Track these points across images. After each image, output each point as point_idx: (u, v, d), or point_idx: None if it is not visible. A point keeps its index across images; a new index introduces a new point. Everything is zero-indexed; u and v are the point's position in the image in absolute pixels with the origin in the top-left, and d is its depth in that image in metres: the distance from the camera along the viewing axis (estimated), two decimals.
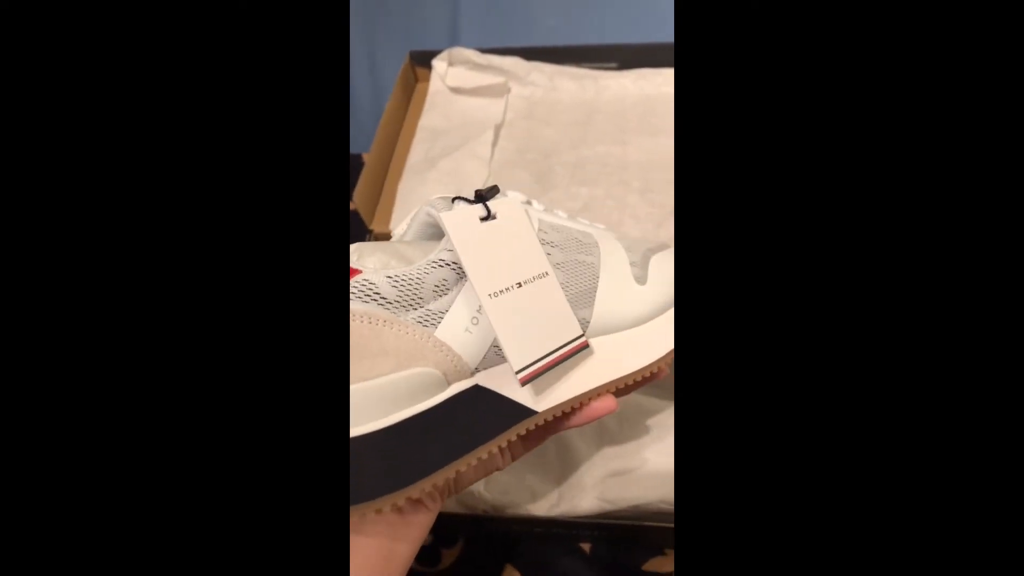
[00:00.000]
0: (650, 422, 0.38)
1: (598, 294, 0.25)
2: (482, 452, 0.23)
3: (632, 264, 0.27)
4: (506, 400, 0.23)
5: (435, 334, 0.21)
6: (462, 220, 0.22)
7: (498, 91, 0.53)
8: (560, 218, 0.27)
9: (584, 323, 0.25)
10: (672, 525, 0.37)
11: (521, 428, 0.24)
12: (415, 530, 0.24)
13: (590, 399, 0.25)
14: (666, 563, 0.39)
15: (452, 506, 0.37)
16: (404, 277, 0.21)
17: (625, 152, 0.48)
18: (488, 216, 0.23)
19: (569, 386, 0.24)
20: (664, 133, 0.48)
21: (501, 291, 0.22)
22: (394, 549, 0.23)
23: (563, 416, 0.25)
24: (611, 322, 0.26)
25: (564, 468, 0.37)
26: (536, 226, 0.25)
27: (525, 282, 0.23)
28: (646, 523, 0.37)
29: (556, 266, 0.24)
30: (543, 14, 0.70)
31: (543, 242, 0.24)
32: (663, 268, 0.28)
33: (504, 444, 0.24)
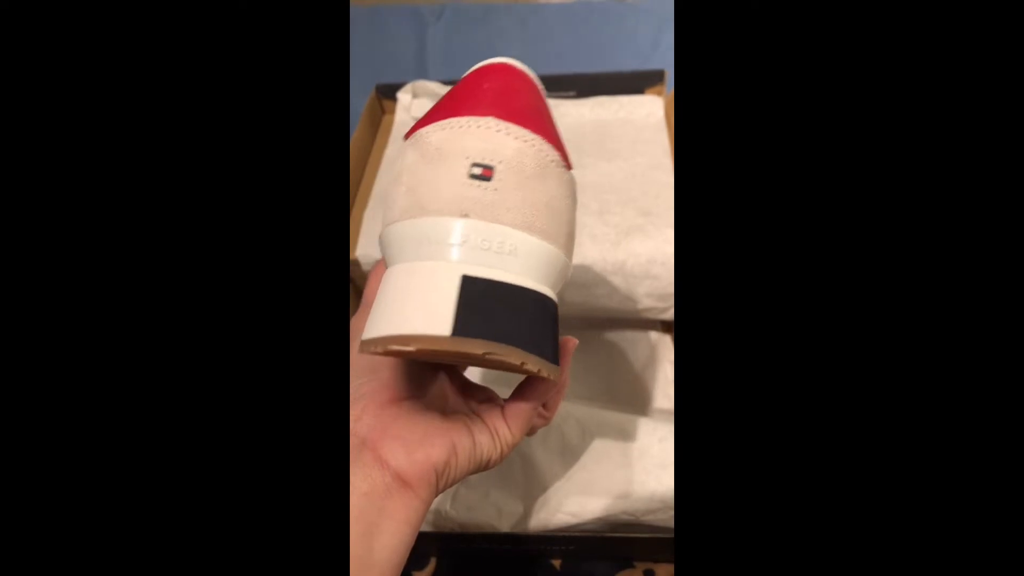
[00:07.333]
0: (610, 434, 0.39)
1: None
2: None
3: None
4: None
5: None
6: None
7: None
8: None
9: None
10: (638, 535, 0.37)
11: None
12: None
13: None
14: (634, 575, 0.40)
15: (422, 526, 0.38)
16: None
17: (583, 176, 0.49)
18: None
19: None
20: (619, 157, 0.50)
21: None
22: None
23: None
24: None
25: (528, 483, 0.38)
26: None
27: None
28: (610, 535, 0.37)
29: None
30: (506, 46, 0.73)
31: None
32: None
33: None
